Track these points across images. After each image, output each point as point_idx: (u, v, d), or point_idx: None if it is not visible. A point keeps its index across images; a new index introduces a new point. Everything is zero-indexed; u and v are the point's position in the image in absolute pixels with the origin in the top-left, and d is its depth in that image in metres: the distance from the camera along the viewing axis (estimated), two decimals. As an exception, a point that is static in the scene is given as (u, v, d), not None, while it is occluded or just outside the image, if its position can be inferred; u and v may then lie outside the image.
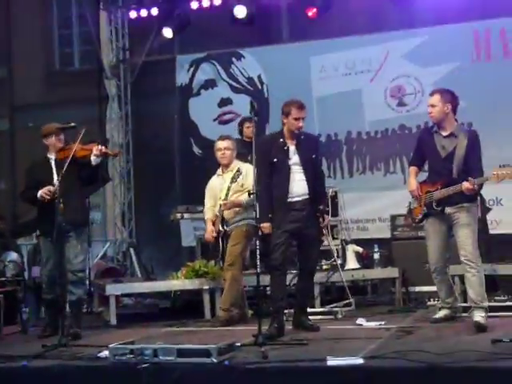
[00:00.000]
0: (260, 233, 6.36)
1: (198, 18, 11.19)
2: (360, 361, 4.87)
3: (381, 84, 10.81)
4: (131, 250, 11.78)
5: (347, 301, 7.86)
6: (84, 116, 11.24)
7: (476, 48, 10.33)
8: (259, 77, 11.52)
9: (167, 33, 11.27)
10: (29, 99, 13.12)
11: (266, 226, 6.42)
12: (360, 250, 8.73)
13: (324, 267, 8.47)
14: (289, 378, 4.86)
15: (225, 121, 11.54)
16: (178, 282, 8.20)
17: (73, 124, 6.81)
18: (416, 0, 10.39)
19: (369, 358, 4.95)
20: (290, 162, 6.51)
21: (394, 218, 9.18)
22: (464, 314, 6.71)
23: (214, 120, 11.65)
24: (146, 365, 5.09)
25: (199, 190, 7.85)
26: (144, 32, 11.95)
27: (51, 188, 6.81)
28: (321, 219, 6.70)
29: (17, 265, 8.69)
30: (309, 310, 7.12)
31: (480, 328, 6.02)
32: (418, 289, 8.44)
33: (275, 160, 6.49)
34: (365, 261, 8.70)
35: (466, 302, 6.79)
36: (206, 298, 7.91)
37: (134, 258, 11.65)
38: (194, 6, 11.15)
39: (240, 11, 10.72)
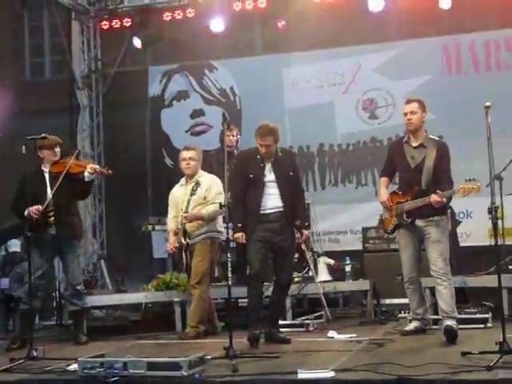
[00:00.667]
0: (235, 244, 6.37)
1: (171, 29, 11.19)
2: (331, 374, 4.87)
3: (353, 97, 10.86)
4: (102, 261, 11.68)
5: (321, 313, 7.86)
6: (55, 126, 11.10)
7: (447, 62, 10.45)
8: (232, 88, 11.52)
9: (137, 43, 11.26)
10: (-1, 109, 13.00)
11: (238, 236, 6.51)
12: (331, 262, 8.74)
13: (296, 279, 8.46)
14: (260, 391, 4.84)
15: (197, 132, 11.52)
16: (149, 294, 8.16)
17: (43, 135, 6.77)
18: (388, 14, 10.46)
19: (340, 371, 4.95)
20: (266, 179, 6.56)
21: (365, 230, 9.20)
22: (434, 327, 6.76)
23: (187, 131, 11.62)
24: (115, 378, 5.05)
25: (171, 201, 7.80)
26: (116, 42, 11.92)
27: (40, 208, 6.89)
28: (298, 234, 6.72)
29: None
30: (280, 322, 7.11)
31: (451, 333, 6.04)
32: (388, 301, 8.46)
33: (251, 176, 6.55)
34: (336, 273, 8.72)
35: (436, 314, 6.83)
36: (177, 310, 7.88)
37: (104, 269, 11.55)
38: (167, 17, 11.15)
39: (217, 25, 10.75)
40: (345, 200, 10.72)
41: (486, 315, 6.98)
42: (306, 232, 6.88)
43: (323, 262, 8.66)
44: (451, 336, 6.05)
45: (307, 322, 7.51)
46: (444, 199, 6.22)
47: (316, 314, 8.03)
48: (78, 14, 11.87)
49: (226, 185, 6.45)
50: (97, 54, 12.25)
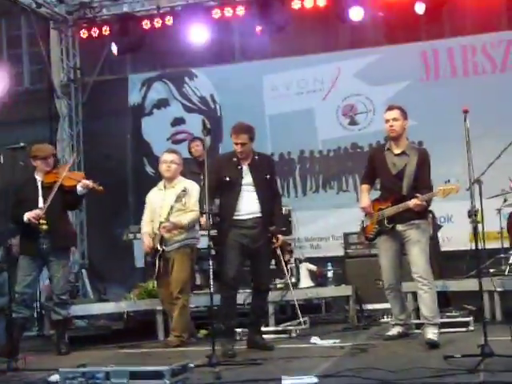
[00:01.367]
0: (215, 252, 6.34)
1: (150, 37, 11.18)
2: (314, 380, 4.86)
3: (333, 103, 10.91)
4: (83, 271, 11.62)
5: (304, 319, 7.86)
6: (34, 136, 11.06)
7: (425, 67, 10.53)
8: (212, 96, 11.53)
9: (114, 49, 11.24)
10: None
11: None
12: (313, 268, 8.75)
13: (278, 286, 8.47)
14: (243, 398, 4.84)
15: (178, 140, 11.48)
16: (131, 303, 8.12)
17: (22, 144, 6.74)
18: (367, 20, 10.52)
19: (323, 377, 4.95)
20: (243, 182, 6.50)
21: (346, 235, 9.20)
22: (417, 331, 6.77)
23: (168, 139, 11.60)
24: (97, 388, 5.01)
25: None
26: (95, 51, 11.89)
27: (39, 212, 6.99)
28: (274, 239, 6.70)
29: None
30: (263, 328, 7.10)
31: (432, 346, 6.06)
32: (371, 306, 8.48)
33: (227, 179, 6.50)
34: (318, 279, 8.73)
35: (418, 318, 6.85)
36: (159, 318, 7.84)
37: (85, 279, 11.49)
38: (146, 26, 11.14)
39: (196, 33, 10.77)
40: (326, 206, 10.74)
41: (468, 319, 7.00)
42: (281, 237, 6.81)
43: (305, 268, 8.67)
44: (432, 348, 6.05)
45: (290, 328, 7.50)
46: (424, 202, 6.24)
47: (299, 320, 8.03)
48: (57, 23, 11.84)
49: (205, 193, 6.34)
50: (76, 62, 12.19)
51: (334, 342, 6.74)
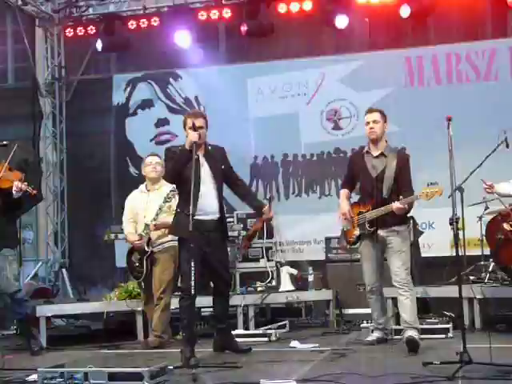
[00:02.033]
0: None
1: (136, 37, 11.17)
2: (293, 384, 4.87)
3: (317, 107, 10.92)
4: (63, 270, 11.57)
5: (284, 322, 7.87)
6: (18, 134, 11.05)
7: (409, 74, 10.57)
8: (196, 98, 11.50)
9: (99, 46, 11.21)
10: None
11: None
12: (294, 272, 8.76)
13: (259, 289, 8.48)
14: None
15: (162, 141, 11.45)
16: (110, 303, 8.09)
17: (4, 142, 6.70)
18: (352, 26, 10.55)
19: (302, 381, 4.96)
20: (201, 172, 6.28)
21: (328, 240, 9.22)
22: (396, 337, 6.79)
23: (151, 140, 11.56)
24: (76, 389, 4.99)
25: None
26: (80, 50, 11.86)
27: None
28: (263, 212, 6.64)
29: None
30: (243, 332, 7.09)
31: (413, 343, 6.08)
32: (351, 311, 8.50)
33: (185, 170, 6.14)
34: (299, 283, 8.74)
35: (398, 324, 6.87)
36: (139, 319, 7.83)
37: (66, 278, 11.44)
38: (132, 26, 11.14)
39: (182, 35, 10.76)
40: (308, 210, 10.74)
41: (447, 325, 7.03)
42: (266, 205, 6.78)
43: (286, 271, 8.68)
44: (413, 346, 6.08)
45: (270, 331, 7.50)
46: (406, 206, 6.27)
47: (279, 324, 8.04)
48: (42, 21, 11.79)
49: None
50: (61, 61, 12.15)
51: (314, 347, 6.75)
